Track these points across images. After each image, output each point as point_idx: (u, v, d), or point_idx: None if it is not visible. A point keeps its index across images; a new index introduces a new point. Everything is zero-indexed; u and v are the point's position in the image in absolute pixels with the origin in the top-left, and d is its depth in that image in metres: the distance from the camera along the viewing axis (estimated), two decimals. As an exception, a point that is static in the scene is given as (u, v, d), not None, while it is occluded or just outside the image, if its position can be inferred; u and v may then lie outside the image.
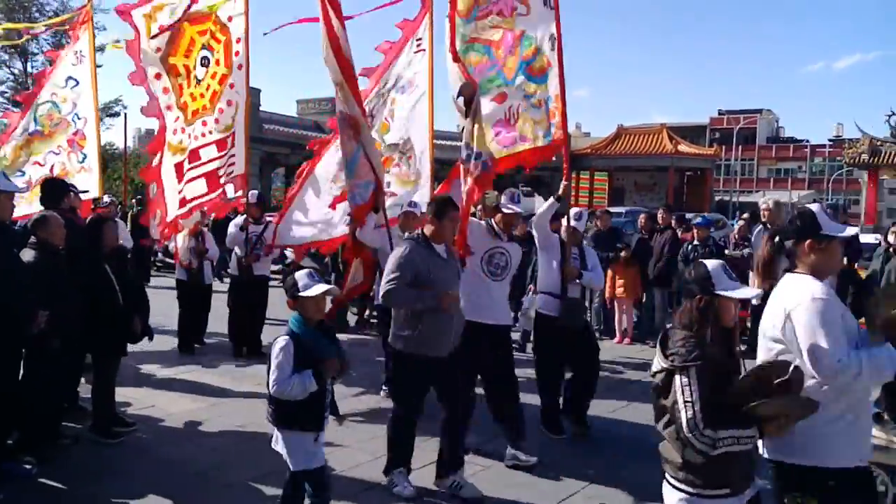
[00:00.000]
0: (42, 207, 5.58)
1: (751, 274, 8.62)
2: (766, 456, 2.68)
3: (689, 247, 8.99)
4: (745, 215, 10.87)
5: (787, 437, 2.50)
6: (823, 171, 53.78)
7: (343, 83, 5.45)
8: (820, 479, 2.52)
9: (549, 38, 5.47)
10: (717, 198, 43.78)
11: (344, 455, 4.81)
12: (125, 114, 21.21)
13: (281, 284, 15.45)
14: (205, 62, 7.65)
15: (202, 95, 7.65)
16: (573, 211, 5.68)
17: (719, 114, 58.43)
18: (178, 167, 7.69)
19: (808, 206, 2.79)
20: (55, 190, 5.89)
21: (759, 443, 2.65)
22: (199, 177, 7.61)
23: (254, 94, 19.14)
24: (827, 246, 2.61)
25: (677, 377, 2.51)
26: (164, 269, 14.32)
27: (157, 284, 11.71)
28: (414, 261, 4.13)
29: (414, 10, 6.90)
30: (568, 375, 5.59)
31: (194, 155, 7.64)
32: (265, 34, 6.91)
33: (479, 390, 4.99)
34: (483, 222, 5.11)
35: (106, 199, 8.48)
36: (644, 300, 9.64)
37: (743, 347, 2.91)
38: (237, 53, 7.56)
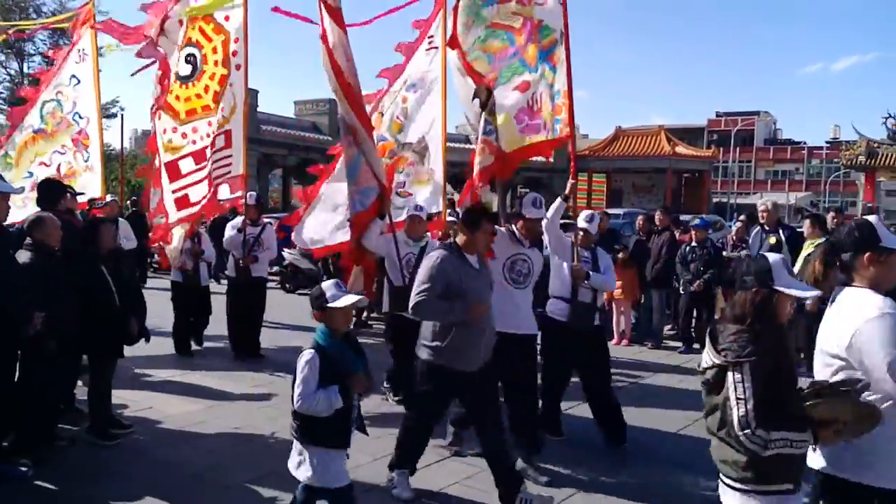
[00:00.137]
0: (38, 209, 5.56)
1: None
2: (815, 467, 2.59)
3: (687, 248, 9.00)
4: (743, 217, 10.90)
5: (840, 450, 2.44)
6: (821, 172, 53.99)
7: (338, 90, 5.44)
8: (865, 498, 2.44)
9: (558, 33, 5.47)
10: (714, 199, 43.93)
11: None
12: (122, 115, 21.26)
13: (279, 286, 15.41)
14: (190, 59, 7.63)
15: (199, 96, 7.62)
16: (585, 213, 5.59)
17: (717, 116, 58.66)
18: (170, 166, 7.67)
19: (866, 217, 2.70)
20: (52, 191, 5.86)
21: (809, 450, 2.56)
22: (205, 178, 7.59)
23: (251, 96, 19.16)
24: (887, 259, 2.53)
25: (730, 373, 2.42)
26: (160, 270, 14.29)
27: (153, 286, 11.69)
28: (445, 270, 3.98)
29: (429, 9, 6.88)
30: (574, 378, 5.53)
31: (200, 156, 7.61)
32: (273, 9, 6.63)
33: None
34: (504, 228, 4.94)
35: (108, 198, 8.45)
36: (642, 302, 9.65)
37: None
38: (235, 53, 7.55)
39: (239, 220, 8.13)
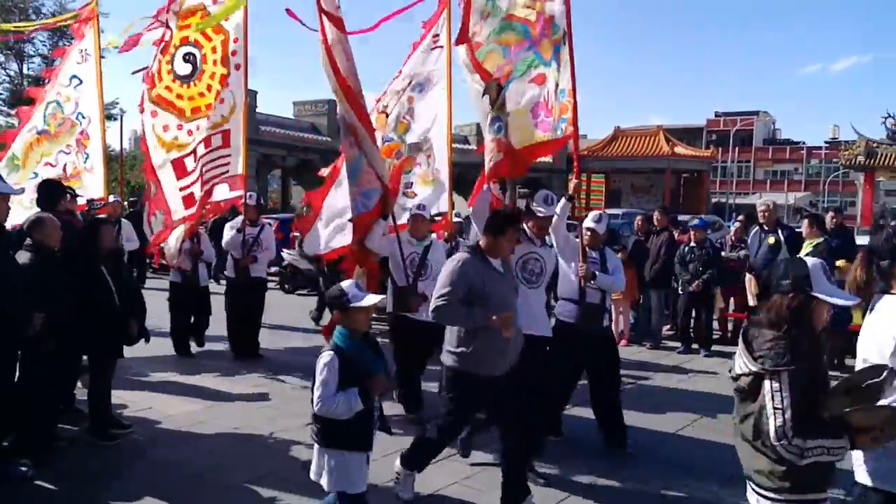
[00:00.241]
0: (38, 209, 5.56)
1: (747, 276, 8.67)
2: (865, 482, 2.56)
3: (686, 249, 9.01)
4: (742, 217, 10.90)
5: (884, 461, 2.40)
6: (820, 172, 54.06)
7: (337, 89, 5.43)
8: None
9: (562, 32, 5.40)
10: (713, 200, 43.92)
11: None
12: (121, 116, 21.22)
13: (278, 287, 15.35)
14: (189, 58, 7.65)
15: (202, 95, 7.65)
16: (593, 213, 5.53)
17: (716, 116, 58.70)
18: (177, 164, 7.69)
19: None
20: (52, 192, 5.87)
21: (858, 467, 2.54)
22: (199, 177, 7.63)
23: (250, 96, 19.13)
24: None
25: (767, 382, 2.36)
26: (160, 270, 14.29)
27: (153, 286, 11.69)
28: (467, 274, 3.89)
29: (431, 9, 6.86)
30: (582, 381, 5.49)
31: (195, 153, 7.67)
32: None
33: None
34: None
35: (111, 198, 8.45)
36: (640, 302, 9.66)
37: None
38: (234, 53, 7.56)
39: (238, 220, 8.14)
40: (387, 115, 6.76)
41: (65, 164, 8.10)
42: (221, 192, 7.88)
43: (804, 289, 2.42)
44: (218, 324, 8.25)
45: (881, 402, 2.30)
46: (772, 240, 8.35)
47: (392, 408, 5.92)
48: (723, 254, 9.31)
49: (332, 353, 3.12)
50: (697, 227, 9.12)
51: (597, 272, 5.13)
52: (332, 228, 6.58)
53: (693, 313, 9.10)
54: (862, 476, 2.58)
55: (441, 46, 6.68)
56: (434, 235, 6.20)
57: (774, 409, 2.32)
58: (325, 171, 6.90)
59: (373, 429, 3.26)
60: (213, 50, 7.60)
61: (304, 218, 7.27)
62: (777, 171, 58.00)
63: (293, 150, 27.85)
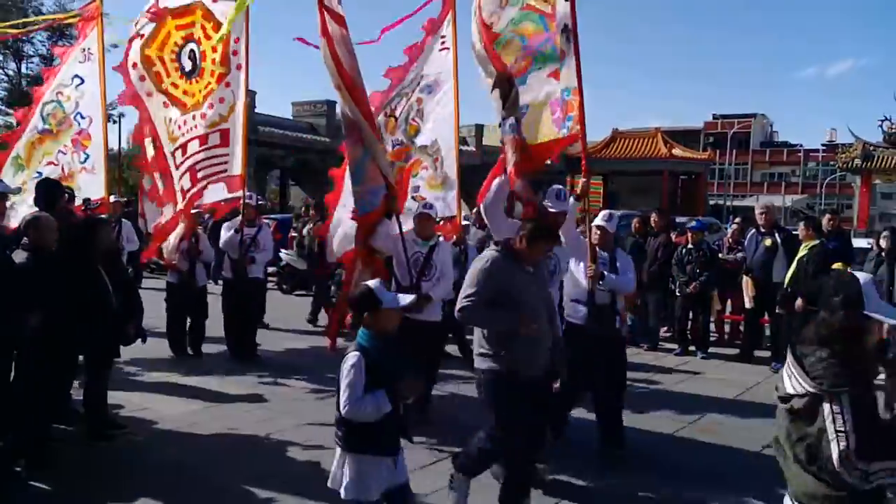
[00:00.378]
0: (36, 209, 5.56)
1: (744, 278, 8.68)
2: None
3: (683, 250, 9.02)
4: (739, 219, 10.93)
5: None
6: (817, 175, 54.13)
7: (340, 85, 5.40)
8: None
9: (562, 29, 5.33)
10: (711, 202, 43.96)
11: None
12: (120, 116, 21.20)
13: (277, 287, 15.30)
14: (192, 56, 7.65)
15: (201, 92, 7.66)
16: (602, 213, 5.46)
17: (713, 118, 58.78)
18: (172, 157, 7.72)
19: None
20: (49, 192, 5.86)
21: None
22: (186, 171, 7.64)
23: (249, 96, 19.10)
24: None
25: (826, 404, 2.24)
26: (157, 270, 14.27)
27: (150, 286, 11.66)
28: (494, 275, 3.79)
29: (435, 11, 6.83)
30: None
31: (184, 148, 7.67)
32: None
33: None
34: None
35: (112, 199, 8.44)
36: (638, 304, 9.66)
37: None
38: (235, 53, 7.55)
39: (235, 220, 8.10)
40: (395, 119, 6.72)
41: (63, 165, 8.11)
42: (216, 192, 7.81)
43: (856, 307, 2.32)
44: (215, 325, 8.23)
45: None
46: (768, 242, 8.37)
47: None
48: (720, 256, 9.33)
49: (357, 354, 3.04)
50: (695, 229, 9.12)
51: (605, 272, 5.04)
52: (342, 238, 6.51)
53: (690, 315, 9.11)
54: None
55: (448, 48, 6.68)
56: (441, 238, 6.14)
57: (837, 432, 2.21)
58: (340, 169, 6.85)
59: (399, 432, 3.18)
60: (213, 49, 7.58)
61: (324, 225, 7.16)
62: (774, 174, 58.09)
63: (292, 150, 27.86)
